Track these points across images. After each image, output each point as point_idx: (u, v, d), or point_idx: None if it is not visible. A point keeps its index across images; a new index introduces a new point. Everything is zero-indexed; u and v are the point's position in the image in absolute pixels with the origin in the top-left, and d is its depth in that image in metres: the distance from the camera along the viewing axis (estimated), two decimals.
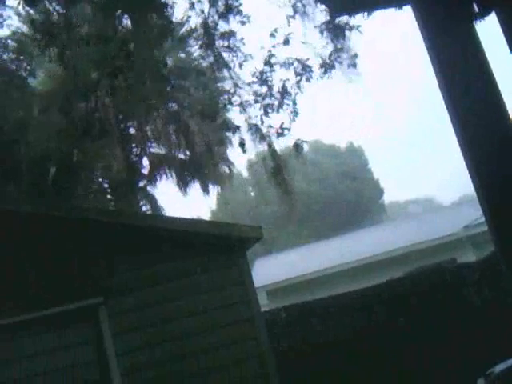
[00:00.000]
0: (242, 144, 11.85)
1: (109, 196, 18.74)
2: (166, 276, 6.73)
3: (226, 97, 13.99)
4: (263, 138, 11.67)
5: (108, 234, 6.71)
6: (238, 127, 11.77)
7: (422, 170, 75.04)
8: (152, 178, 20.78)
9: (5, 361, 6.18)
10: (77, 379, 6.21)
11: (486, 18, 1.29)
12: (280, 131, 11.29)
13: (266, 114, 11.43)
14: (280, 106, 11.19)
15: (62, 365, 6.22)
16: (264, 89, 11.41)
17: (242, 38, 11.11)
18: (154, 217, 8.18)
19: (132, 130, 20.08)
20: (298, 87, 11.31)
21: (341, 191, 39.38)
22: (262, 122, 11.64)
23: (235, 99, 12.03)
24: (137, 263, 6.70)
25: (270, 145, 12.03)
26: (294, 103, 11.43)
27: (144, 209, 19.32)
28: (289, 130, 11.50)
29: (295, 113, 11.33)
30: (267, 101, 11.39)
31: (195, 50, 17.64)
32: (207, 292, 6.75)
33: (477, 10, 1.26)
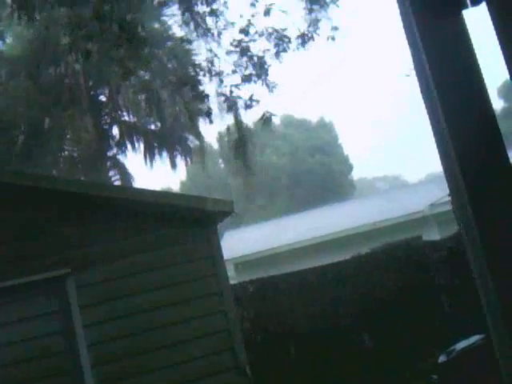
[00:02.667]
0: (208, 113, 11.75)
1: (78, 165, 18.51)
2: (135, 248, 6.70)
3: (199, 65, 13.81)
4: (230, 108, 11.59)
5: (77, 205, 6.64)
6: (206, 96, 11.64)
7: (390, 149, 75.76)
8: (121, 147, 20.59)
9: None
10: (43, 350, 6.18)
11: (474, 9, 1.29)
12: (249, 103, 11.22)
13: (238, 85, 11.33)
14: (258, 76, 11.11)
15: (28, 335, 6.18)
16: (241, 59, 11.30)
17: (226, 2, 10.94)
18: (124, 189, 8.09)
19: (103, 98, 19.82)
20: (277, 57, 11.22)
21: (311, 166, 39.52)
22: (232, 93, 11.54)
23: (209, 68, 11.89)
24: (106, 235, 6.66)
25: (235, 116, 11.97)
26: (266, 74, 11.36)
27: (114, 178, 19.15)
28: (257, 101, 11.44)
29: (271, 86, 11.26)
30: (244, 71, 11.29)
31: (170, 18, 17.35)
32: (176, 265, 6.75)
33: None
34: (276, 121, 15.32)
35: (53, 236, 6.49)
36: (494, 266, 1.31)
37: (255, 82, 11.24)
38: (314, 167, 39.05)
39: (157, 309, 6.57)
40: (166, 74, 18.34)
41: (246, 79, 11.13)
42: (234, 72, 11.25)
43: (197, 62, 14.89)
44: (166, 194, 7.51)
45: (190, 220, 6.84)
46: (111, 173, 19.66)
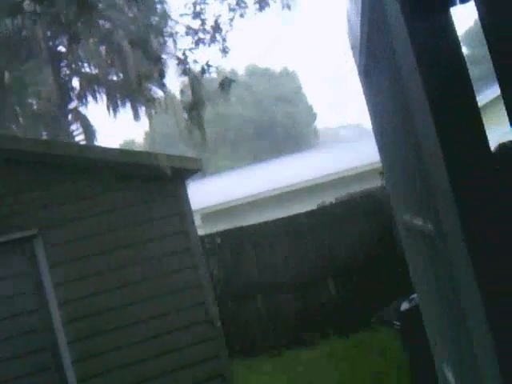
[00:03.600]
0: (161, 76, 11.69)
1: (40, 120, 18.12)
2: (103, 207, 6.71)
3: (156, 24, 13.56)
4: (185, 72, 11.53)
5: (43, 165, 6.58)
6: (159, 58, 11.54)
7: (353, 97, 75.87)
8: (83, 99, 20.20)
9: None
10: (15, 309, 6.22)
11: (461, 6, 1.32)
12: (206, 67, 11.19)
13: (192, 49, 11.25)
14: (212, 40, 11.04)
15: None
16: (196, 22, 11.23)
17: None
18: (90, 148, 8.03)
19: (62, 49, 19.29)
20: (231, 24, 11.22)
21: (275, 115, 39.45)
22: (186, 57, 11.47)
23: (166, 30, 11.75)
24: (73, 195, 6.64)
25: (190, 80, 11.89)
26: (224, 40, 11.33)
27: (76, 132, 18.84)
28: (216, 67, 11.43)
29: (225, 51, 11.22)
30: (199, 35, 11.22)
31: None
32: (146, 223, 6.79)
33: None
34: (240, 70, 15.24)
35: (19, 197, 6.44)
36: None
37: (209, 45, 11.21)
38: (277, 117, 39.00)
39: (127, 266, 6.64)
40: (127, 24, 17.91)
41: (205, 42, 11.06)
42: (188, 34, 11.17)
43: (154, 21, 14.63)
44: (133, 153, 7.48)
45: (158, 178, 6.86)
46: (74, 126, 19.33)
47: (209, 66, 11.11)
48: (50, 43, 18.95)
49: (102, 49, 19.00)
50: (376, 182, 11.97)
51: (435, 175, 1.57)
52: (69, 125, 18.93)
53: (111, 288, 6.55)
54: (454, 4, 1.28)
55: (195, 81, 11.89)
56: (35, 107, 18.48)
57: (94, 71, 20.53)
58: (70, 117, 19.52)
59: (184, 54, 11.27)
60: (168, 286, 6.69)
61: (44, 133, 18.30)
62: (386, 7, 1.66)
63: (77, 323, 6.37)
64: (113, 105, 20.72)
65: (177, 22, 11.36)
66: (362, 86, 3.19)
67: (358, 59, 2.91)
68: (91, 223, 6.62)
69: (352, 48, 3.39)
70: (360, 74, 3.14)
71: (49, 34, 18.53)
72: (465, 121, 1.35)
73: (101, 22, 18.73)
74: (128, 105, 20.82)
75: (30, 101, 18.34)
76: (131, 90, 20.00)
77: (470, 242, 1.37)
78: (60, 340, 6.26)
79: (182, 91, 12.56)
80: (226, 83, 11.52)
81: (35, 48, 17.09)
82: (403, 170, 2.59)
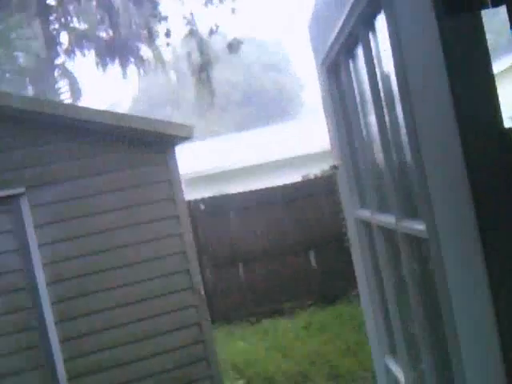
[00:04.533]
0: (167, 34, 11.52)
1: (26, 75, 17.80)
2: (91, 169, 6.66)
3: None
4: (193, 33, 11.39)
5: (31, 124, 6.49)
6: (165, 18, 11.38)
7: None
8: (70, 55, 19.86)
9: None
10: None
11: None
12: (214, 28, 11.05)
13: (204, 7, 11.09)
14: (220, 1, 10.88)
15: None
16: None
17: None
18: (82, 109, 7.92)
19: (52, 2, 18.87)
20: None
21: (263, 82, 39.18)
22: (192, 16, 11.32)
23: None
24: (62, 155, 6.57)
25: (199, 42, 11.77)
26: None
27: (63, 89, 18.55)
28: (218, 27, 11.28)
29: (233, 9, 11.06)
30: None
31: None
32: (134, 188, 6.76)
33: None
34: (229, 36, 15.07)
35: (6, 155, 6.37)
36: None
37: (216, 6, 11.02)
38: (266, 84, 38.74)
39: (113, 230, 6.62)
40: None
41: (209, 2, 10.89)
42: None
43: None
44: (124, 116, 7.40)
45: (149, 143, 6.81)
46: (60, 82, 19.03)
47: (217, 26, 10.98)
48: None
49: (93, 3, 18.63)
50: None
51: (436, 174, 1.58)
52: (55, 82, 18.64)
53: (96, 251, 6.54)
54: (486, 6, 1.27)
55: (203, 42, 11.76)
56: (22, 62, 18.15)
57: (84, 26, 20.16)
58: (56, 73, 19.20)
59: (191, 14, 11.11)
60: (154, 251, 6.70)
61: (30, 87, 18.00)
62: (394, 4, 1.66)
63: (60, 284, 6.38)
64: (101, 62, 20.41)
65: None
66: (324, 80, 3.12)
67: (325, 53, 2.85)
68: (79, 185, 6.58)
69: (312, 40, 3.33)
70: (322, 68, 3.08)
71: None
72: (489, 125, 1.36)
73: None
74: (116, 62, 20.53)
75: (16, 54, 18.00)
76: (121, 48, 19.72)
77: (486, 239, 1.37)
78: (43, 300, 6.26)
79: (188, 53, 12.43)
80: (235, 44, 11.40)
81: (24, 0, 16.69)
82: (372, 167, 2.57)
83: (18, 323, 6.22)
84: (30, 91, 17.95)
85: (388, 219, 2.29)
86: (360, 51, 2.31)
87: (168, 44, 11.61)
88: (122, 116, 7.11)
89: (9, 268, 6.28)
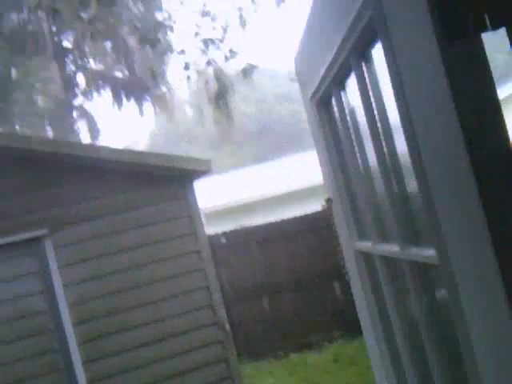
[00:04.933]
0: (186, 67, 11.67)
1: (46, 117, 18.11)
2: (112, 208, 6.70)
3: (166, 18, 13.55)
4: (209, 62, 11.56)
5: (53, 165, 6.56)
6: (182, 51, 11.56)
7: None
8: (87, 95, 20.20)
9: None
10: (25, 310, 6.22)
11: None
12: (229, 55, 11.22)
13: (207, 45, 11.32)
14: (221, 40, 11.09)
15: (7, 296, 6.20)
16: (205, 20, 11.32)
17: None
18: (101, 148, 8.01)
19: (68, 45, 19.27)
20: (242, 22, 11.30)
21: (277, 113, 39.43)
22: (208, 46, 11.50)
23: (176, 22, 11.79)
24: (83, 195, 6.62)
25: (215, 69, 11.93)
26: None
27: (82, 130, 18.82)
28: (236, 53, 11.44)
29: (232, 51, 11.28)
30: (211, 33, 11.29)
31: None
32: (154, 224, 6.78)
33: (488, 22, 1.28)
34: (240, 68, 15.31)
35: (29, 197, 6.43)
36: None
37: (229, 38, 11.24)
38: (282, 115, 38.97)
39: (135, 268, 6.63)
40: (133, 20, 17.89)
41: (210, 41, 11.14)
42: (196, 35, 11.24)
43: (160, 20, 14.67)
44: (143, 154, 7.47)
45: (168, 179, 6.85)
46: (78, 123, 19.32)
47: (232, 52, 11.14)
48: (56, 39, 18.93)
49: (108, 44, 18.99)
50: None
51: (445, 198, 1.56)
52: (74, 122, 18.92)
53: (120, 289, 6.54)
54: (485, 30, 1.28)
55: (219, 69, 11.91)
56: (40, 104, 18.47)
57: (100, 67, 20.52)
58: (74, 114, 19.50)
59: (206, 43, 11.31)
60: (177, 288, 6.68)
61: (49, 129, 18.29)
62: (391, 34, 1.66)
63: (86, 324, 6.37)
64: (117, 100, 20.71)
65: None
66: (314, 114, 3.07)
67: (315, 86, 2.82)
68: (101, 224, 6.61)
69: (300, 74, 3.30)
70: (312, 102, 3.03)
71: (54, 29, 18.50)
72: (499, 149, 1.35)
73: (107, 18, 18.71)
74: (132, 101, 20.82)
75: (35, 97, 18.34)
76: (137, 87, 20.01)
77: (502, 261, 1.35)
78: (70, 341, 6.25)
79: (206, 81, 12.60)
80: (248, 69, 11.54)
81: (41, 43, 17.07)
82: (370, 197, 2.53)
83: (45, 365, 6.21)
84: (49, 133, 18.24)
85: (391, 248, 2.26)
86: (353, 82, 2.30)
87: (188, 77, 11.76)
88: (141, 154, 7.18)
89: (35, 310, 6.30)
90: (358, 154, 2.56)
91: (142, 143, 37.32)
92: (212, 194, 20.03)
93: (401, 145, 1.83)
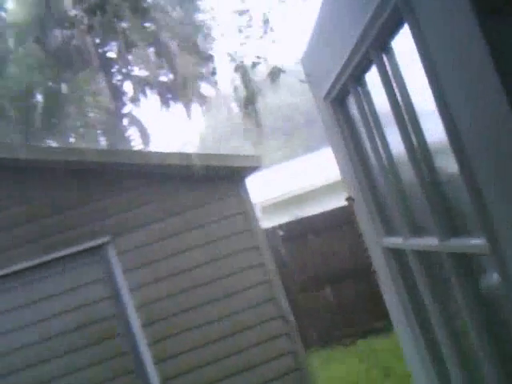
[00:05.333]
0: (213, 73, 11.78)
1: (98, 128, 18.56)
2: (169, 211, 6.84)
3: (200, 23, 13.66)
4: (237, 68, 11.61)
5: (109, 174, 6.76)
6: (211, 56, 11.66)
7: None
8: (136, 102, 20.57)
9: (21, 306, 6.36)
10: (95, 316, 6.43)
11: None
12: (256, 60, 11.25)
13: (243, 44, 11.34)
14: (262, 35, 11.08)
15: (76, 304, 6.42)
16: (245, 18, 11.30)
17: None
18: (153, 154, 8.20)
19: (112, 54, 19.68)
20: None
21: None
22: (235, 52, 11.56)
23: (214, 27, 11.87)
24: (140, 200, 6.79)
25: (242, 75, 11.95)
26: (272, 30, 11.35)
27: (133, 137, 19.20)
28: (265, 59, 11.45)
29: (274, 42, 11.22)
30: (247, 31, 11.28)
31: None
32: (212, 223, 6.88)
33: None
34: (288, 60, 15.21)
35: (90, 207, 6.64)
36: None
37: (264, 37, 11.22)
38: None
39: (196, 267, 6.75)
40: (173, 25, 18.11)
41: (254, 37, 11.12)
42: (240, 31, 11.22)
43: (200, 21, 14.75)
44: (194, 156, 7.58)
45: (222, 178, 6.94)
46: (129, 130, 19.70)
47: (259, 58, 11.16)
48: (100, 50, 19.36)
49: (151, 51, 19.28)
50: None
51: (492, 184, 1.50)
52: (125, 130, 19.33)
53: (184, 289, 6.68)
54: None
55: (246, 75, 11.94)
56: (91, 115, 18.94)
57: (144, 73, 20.86)
58: (124, 122, 19.91)
59: (233, 52, 11.38)
60: (239, 284, 6.77)
61: (102, 139, 18.74)
62: (420, 16, 1.62)
63: (154, 325, 6.54)
64: (165, 105, 21.02)
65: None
66: (329, 113, 2.98)
67: (329, 85, 2.74)
68: (160, 227, 6.76)
69: (310, 74, 3.19)
70: (326, 101, 2.94)
71: (97, 41, 18.92)
72: None
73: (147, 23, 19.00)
74: (177, 104, 21.09)
75: (86, 109, 18.82)
76: (183, 90, 20.25)
77: None
78: (140, 343, 6.43)
79: (235, 88, 12.65)
80: (275, 73, 11.53)
81: (86, 57, 17.48)
82: (398, 191, 2.44)
83: (118, 368, 6.41)
84: (102, 142, 18.70)
85: (427, 242, 2.17)
86: (371, 77, 2.25)
87: (215, 82, 11.88)
88: (192, 155, 7.30)
89: (104, 315, 6.51)
90: (380, 149, 2.48)
91: (193, 144, 37.72)
92: (265, 187, 20.10)
93: (431, 133, 1.80)
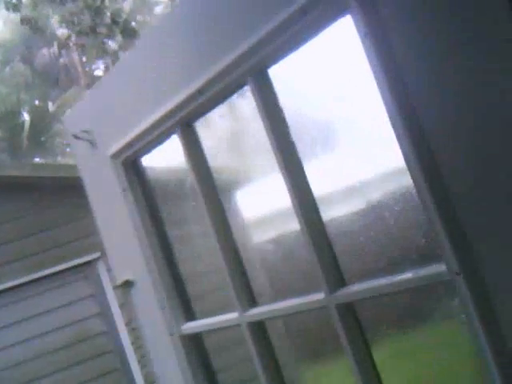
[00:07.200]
0: None
1: None
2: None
3: None
4: None
5: None
6: None
7: None
8: None
9: (12, 323, 6.30)
10: (85, 333, 6.38)
11: None
12: None
13: None
14: None
15: (68, 321, 6.37)
16: None
17: None
18: None
19: (100, 72, 19.69)
20: None
21: None
22: None
23: None
24: None
25: None
26: None
27: None
28: None
29: None
30: None
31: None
32: None
33: None
34: None
35: (79, 223, 6.60)
36: None
37: None
38: None
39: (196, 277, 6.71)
40: None
41: None
42: None
43: None
44: None
45: None
46: None
47: None
48: (87, 68, 19.37)
49: None
50: None
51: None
52: None
53: None
54: None
55: None
56: None
57: None
58: None
59: None
60: None
61: None
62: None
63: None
64: None
65: None
66: (116, 173, 2.15)
67: (122, 144, 2.20)
68: None
69: (86, 131, 2.44)
70: (115, 159, 2.22)
71: (84, 59, 18.95)
72: None
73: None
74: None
75: None
76: None
77: None
78: (131, 361, 6.38)
79: None
80: None
81: (73, 75, 17.51)
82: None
83: None
84: None
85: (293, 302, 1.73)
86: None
87: None
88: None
89: (95, 332, 6.45)
90: (206, 215, 2.05)
91: None
92: None
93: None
